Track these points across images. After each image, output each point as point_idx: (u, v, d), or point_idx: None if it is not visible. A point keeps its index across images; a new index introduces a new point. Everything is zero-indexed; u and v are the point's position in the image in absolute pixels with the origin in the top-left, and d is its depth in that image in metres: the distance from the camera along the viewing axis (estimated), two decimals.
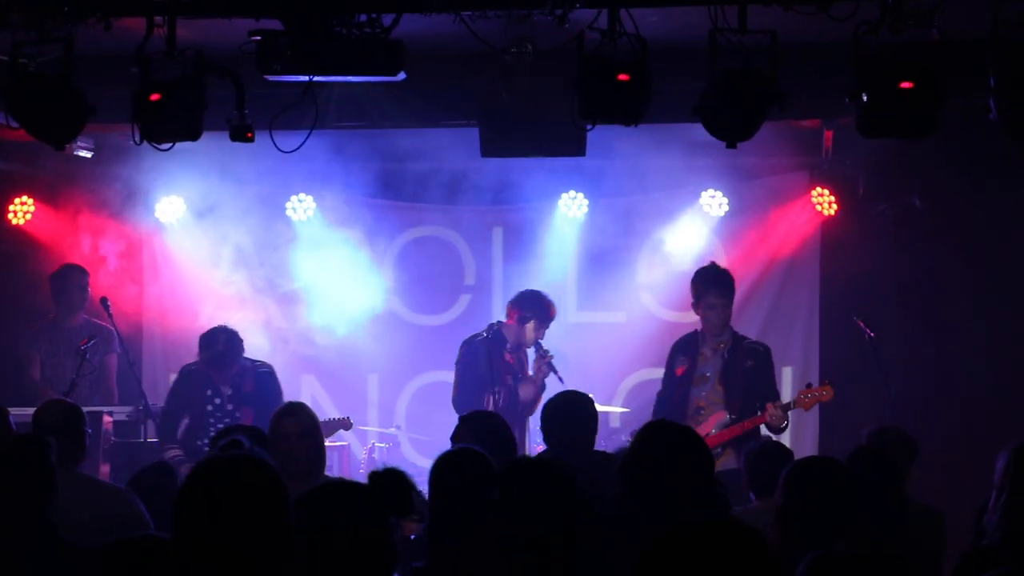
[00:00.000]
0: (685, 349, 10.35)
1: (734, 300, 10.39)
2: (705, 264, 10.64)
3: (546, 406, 7.94)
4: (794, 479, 5.63)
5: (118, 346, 11.67)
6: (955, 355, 11.95)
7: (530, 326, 10.85)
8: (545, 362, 10.73)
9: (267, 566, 3.52)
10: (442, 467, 5.86)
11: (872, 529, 5.93)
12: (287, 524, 3.59)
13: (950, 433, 11.41)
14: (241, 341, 10.67)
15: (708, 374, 10.17)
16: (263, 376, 10.68)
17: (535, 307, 10.92)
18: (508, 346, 10.90)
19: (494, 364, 10.68)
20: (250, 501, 3.56)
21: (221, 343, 10.56)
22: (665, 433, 5.91)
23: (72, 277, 11.86)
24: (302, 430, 7.63)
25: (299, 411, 7.87)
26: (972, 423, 11.50)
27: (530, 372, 10.94)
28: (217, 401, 10.58)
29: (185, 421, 10.62)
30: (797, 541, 5.37)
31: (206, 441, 10.42)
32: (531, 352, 11.02)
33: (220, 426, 10.44)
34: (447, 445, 7.22)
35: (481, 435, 6.63)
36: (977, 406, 11.66)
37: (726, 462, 9.60)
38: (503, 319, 11.11)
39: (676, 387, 10.26)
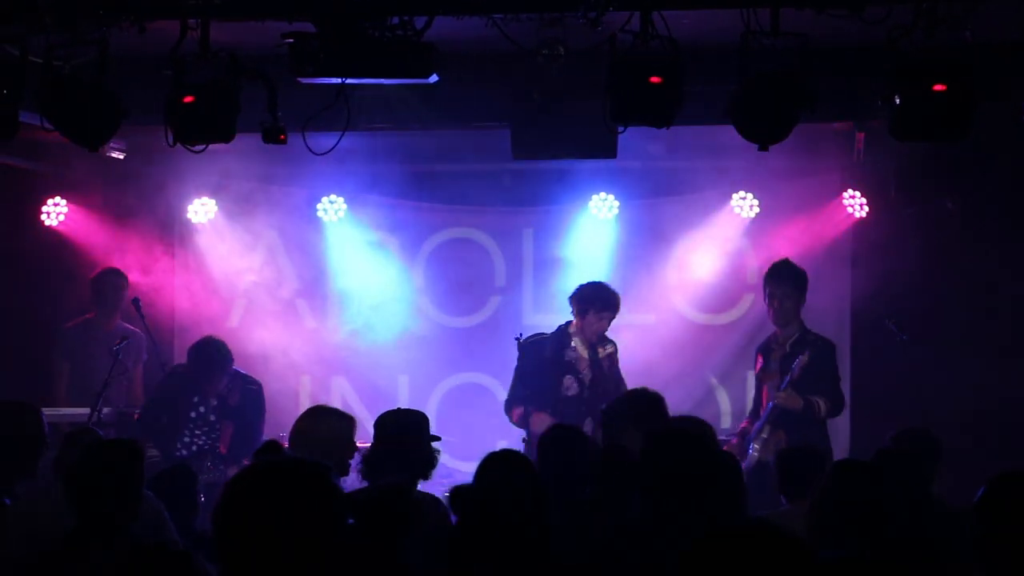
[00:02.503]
0: (762, 348, 10.61)
1: (798, 296, 10.44)
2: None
3: (539, 443, 7.29)
4: (833, 481, 5.62)
5: (148, 349, 11.69)
6: (988, 358, 11.89)
7: (591, 318, 10.60)
8: (606, 356, 10.54)
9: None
10: (487, 466, 5.86)
11: (898, 531, 5.92)
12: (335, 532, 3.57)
13: (983, 436, 11.36)
14: (230, 354, 10.61)
15: (775, 369, 10.33)
16: (251, 392, 10.65)
17: (591, 297, 10.64)
18: (572, 344, 10.64)
19: (545, 365, 10.52)
20: (308, 502, 3.54)
21: (209, 355, 10.51)
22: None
23: (107, 279, 11.88)
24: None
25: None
26: (1005, 425, 11.44)
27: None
28: (202, 409, 10.54)
29: (163, 421, 10.54)
30: (828, 543, 5.38)
31: (180, 446, 10.44)
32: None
33: (199, 432, 10.46)
34: (478, 446, 7.23)
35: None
36: (1010, 409, 11.60)
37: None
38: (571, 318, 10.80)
39: (757, 385, 10.57)
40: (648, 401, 7.95)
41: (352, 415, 7.69)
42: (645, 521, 5.70)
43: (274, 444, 6.61)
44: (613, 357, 10.63)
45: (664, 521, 5.56)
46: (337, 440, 7.39)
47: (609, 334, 10.76)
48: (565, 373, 10.53)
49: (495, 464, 5.86)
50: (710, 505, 5.53)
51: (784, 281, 10.39)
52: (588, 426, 10.30)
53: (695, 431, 6.64)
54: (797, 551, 3.24)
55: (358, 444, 7.64)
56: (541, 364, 10.54)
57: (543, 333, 10.82)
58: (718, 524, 3.36)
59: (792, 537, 3.27)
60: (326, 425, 7.46)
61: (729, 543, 3.25)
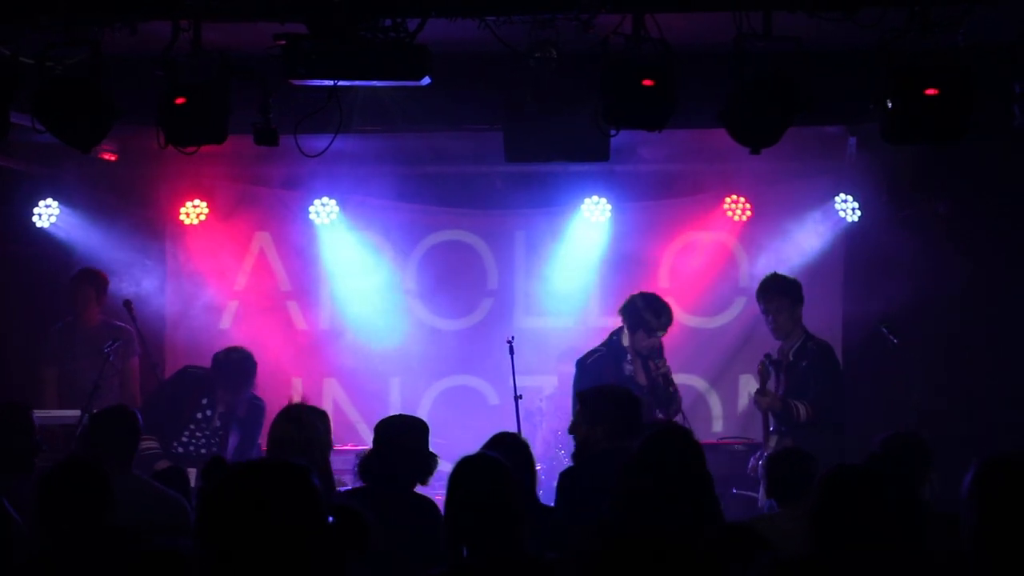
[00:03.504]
0: (774, 361, 10.36)
1: (791, 307, 10.35)
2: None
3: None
4: (832, 485, 5.59)
5: (138, 347, 11.66)
6: (980, 362, 11.90)
7: (642, 334, 10.35)
8: (660, 374, 10.33)
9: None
10: (460, 473, 5.83)
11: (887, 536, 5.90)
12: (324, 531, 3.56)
13: (974, 440, 11.34)
14: (256, 371, 10.52)
15: (782, 378, 10.25)
16: (256, 408, 10.47)
17: (652, 314, 10.37)
18: (628, 357, 10.41)
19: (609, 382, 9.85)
20: (291, 506, 3.53)
21: (241, 365, 10.40)
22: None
23: (73, 282, 11.82)
24: None
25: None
26: (997, 430, 11.43)
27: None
28: (208, 412, 10.41)
29: (163, 417, 10.35)
30: (831, 548, 5.35)
31: (177, 444, 10.33)
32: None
33: (200, 435, 10.39)
34: (470, 449, 7.20)
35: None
36: (1001, 413, 11.60)
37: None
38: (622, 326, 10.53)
39: None
40: (628, 401, 7.90)
41: (324, 410, 7.59)
42: (620, 520, 5.68)
43: (219, 459, 6.57)
44: (668, 377, 10.39)
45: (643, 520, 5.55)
46: (311, 436, 7.27)
47: (602, 335, 10.72)
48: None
49: (468, 470, 5.82)
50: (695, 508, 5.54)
51: (774, 296, 10.35)
52: None
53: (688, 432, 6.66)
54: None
55: (350, 447, 7.62)
56: (605, 382, 10.29)
57: (599, 349, 10.50)
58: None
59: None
60: (298, 423, 7.35)
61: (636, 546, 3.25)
